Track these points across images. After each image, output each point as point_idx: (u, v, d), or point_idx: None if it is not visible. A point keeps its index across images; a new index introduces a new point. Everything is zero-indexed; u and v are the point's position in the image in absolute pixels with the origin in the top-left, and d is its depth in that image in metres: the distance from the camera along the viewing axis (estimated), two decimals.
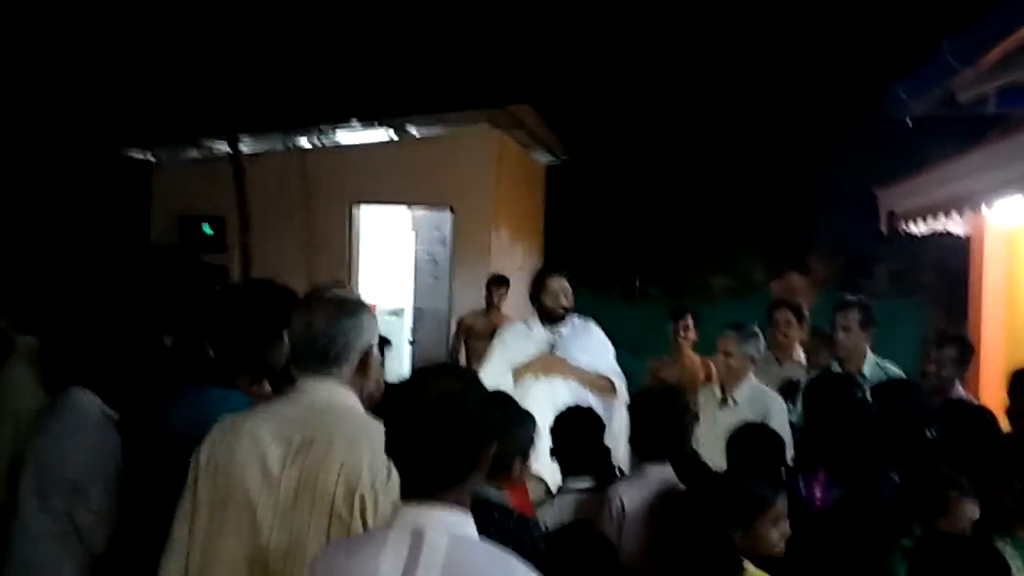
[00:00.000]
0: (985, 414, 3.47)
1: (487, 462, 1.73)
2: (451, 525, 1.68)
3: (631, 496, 3.14)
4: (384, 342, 2.74)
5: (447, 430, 1.68)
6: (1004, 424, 3.59)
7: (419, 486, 1.70)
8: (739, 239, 11.30)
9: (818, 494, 3.09)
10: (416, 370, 1.83)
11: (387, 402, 1.75)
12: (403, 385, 1.74)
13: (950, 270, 9.50)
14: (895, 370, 4.77)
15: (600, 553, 2.75)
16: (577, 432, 3.41)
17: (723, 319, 5.20)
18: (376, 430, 1.85)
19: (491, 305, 7.54)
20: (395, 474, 1.76)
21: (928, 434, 3.20)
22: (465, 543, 1.68)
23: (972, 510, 2.63)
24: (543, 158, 10.73)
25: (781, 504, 2.62)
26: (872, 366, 4.79)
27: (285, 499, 2.07)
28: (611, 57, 10.76)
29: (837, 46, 9.97)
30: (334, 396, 2.19)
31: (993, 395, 5.88)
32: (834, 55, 9.97)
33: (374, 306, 8.85)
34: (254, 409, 2.25)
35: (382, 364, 2.67)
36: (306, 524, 2.02)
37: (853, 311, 4.82)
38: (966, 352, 4.69)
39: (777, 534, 2.56)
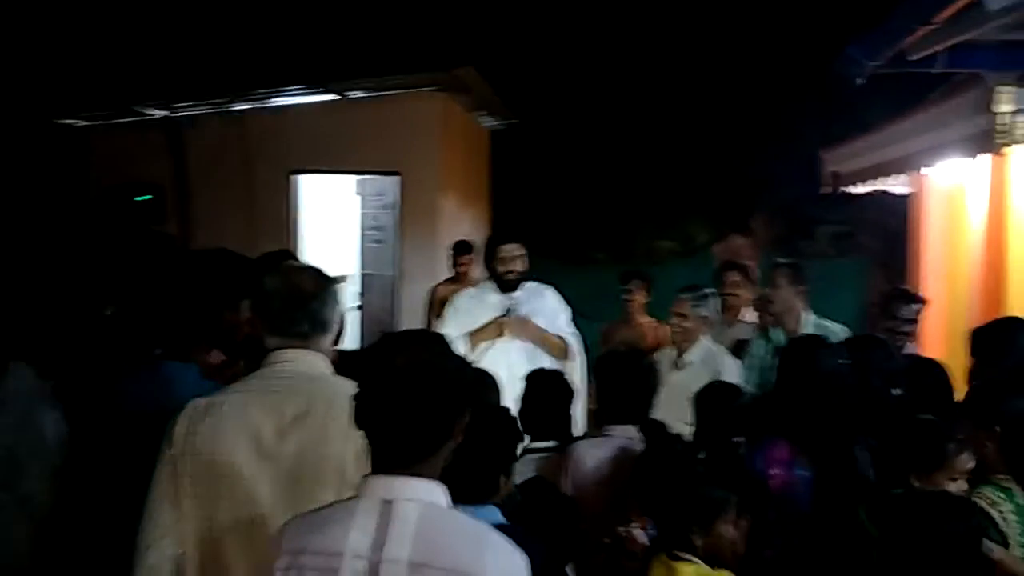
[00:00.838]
0: (944, 369, 3.54)
1: (461, 432, 1.69)
2: (422, 494, 1.64)
3: (591, 455, 3.14)
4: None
5: (420, 400, 1.63)
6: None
7: (390, 458, 1.65)
8: (684, 202, 11.37)
9: (775, 471, 3.01)
10: (386, 336, 1.77)
11: (356, 371, 1.69)
12: (373, 352, 1.68)
13: (890, 231, 9.68)
14: (837, 327, 4.85)
15: (558, 507, 2.74)
16: (547, 396, 3.40)
17: (670, 282, 5.24)
18: None
19: (460, 274, 7.38)
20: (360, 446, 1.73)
21: (894, 393, 3.22)
22: (437, 512, 1.64)
23: (968, 462, 2.66)
24: (489, 122, 10.63)
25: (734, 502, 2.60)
26: (812, 326, 4.87)
27: (287, 474, 2.03)
28: (555, 20, 10.67)
29: (785, 9, 10.01)
30: (317, 366, 2.15)
31: (933, 353, 6.01)
32: (782, 17, 10.01)
33: None
34: (230, 388, 2.17)
35: None
36: (314, 499, 1.94)
37: (782, 269, 4.94)
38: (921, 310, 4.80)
39: (737, 532, 2.54)
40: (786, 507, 2.92)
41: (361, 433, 1.66)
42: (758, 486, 2.78)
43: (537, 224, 9.92)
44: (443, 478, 1.68)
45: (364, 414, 1.66)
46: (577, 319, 5.21)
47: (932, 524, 2.16)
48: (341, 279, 10.00)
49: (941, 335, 6.53)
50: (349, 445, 2.00)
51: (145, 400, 2.36)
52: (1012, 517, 2.58)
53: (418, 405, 1.63)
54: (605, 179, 11.17)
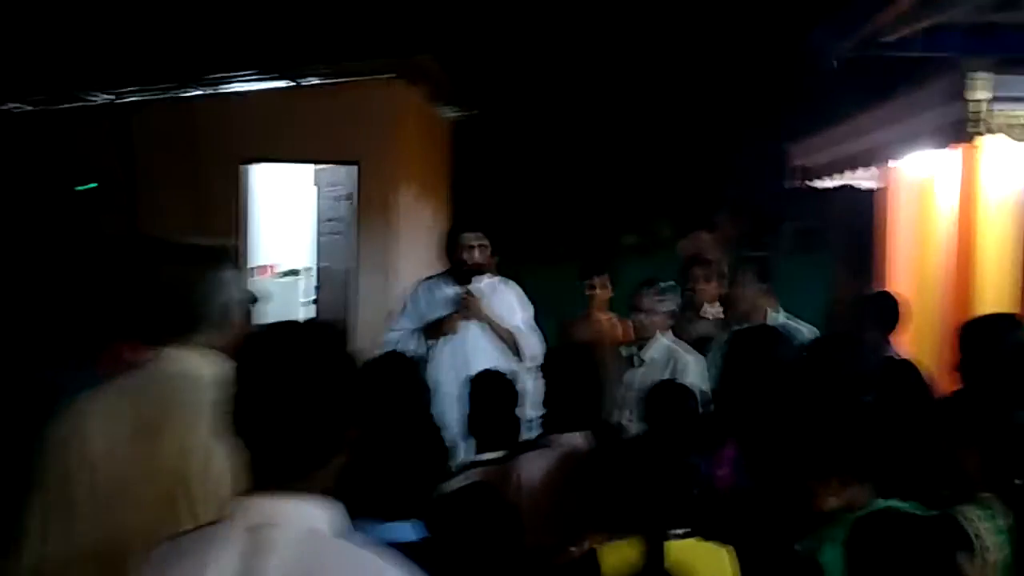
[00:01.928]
0: (922, 372, 3.33)
1: (352, 444, 1.43)
2: (304, 519, 1.38)
3: (536, 467, 2.91)
4: (251, 298, 2.41)
5: (300, 405, 1.37)
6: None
7: (268, 474, 1.39)
8: (648, 197, 11.20)
9: (720, 472, 2.80)
10: (266, 328, 1.50)
11: (240, 368, 1.44)
12: (249, 349, 1.42)
13: (857, 226, 9.57)
14: (805, 328, 4.67)
15: (497, 516, 2.50)
16: (491, 400, 3.14)
17: (633, 278, 5.05)
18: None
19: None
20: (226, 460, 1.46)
21: (865, 399, 3.00)
22: (317, 542, 1.38)
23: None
24: (449, 112, 10.37)
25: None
26: (781, 326, 4.68)
27: (118, 485, 1.78)
28: (517, 8, 10.43)
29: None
30: (187, 364, 1.87)
31: (901, 349, 5.87)
32: (748, 7, 9.84)
33: (272, 266, 8.31)
34: (100, 387, 1.92)
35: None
36: (141, 514, 1.72)
37: (747, 267, 4.80)
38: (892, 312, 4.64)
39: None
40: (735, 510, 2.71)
41: (206, 450, 1.41)
42: (707, 491, 2.56)
43: (499, 217, 9.71)
44: (352, 491, 1.44)
45: (236, 423, 1.40)
46: (536, 317, 5.01)
47: (907, 546, 1.94)
48: (294, 272, 9.73)
49: (909, 332, 6.39)
50: (215, 459, 1.74)
51: (38, 409, 2.11)
52: (994, 538, 2.37)
53: (297, 411, 1.37)
54: (568, 172, 10.98)
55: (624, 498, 2.38)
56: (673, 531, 2.33)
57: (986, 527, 2.38)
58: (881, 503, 2.35)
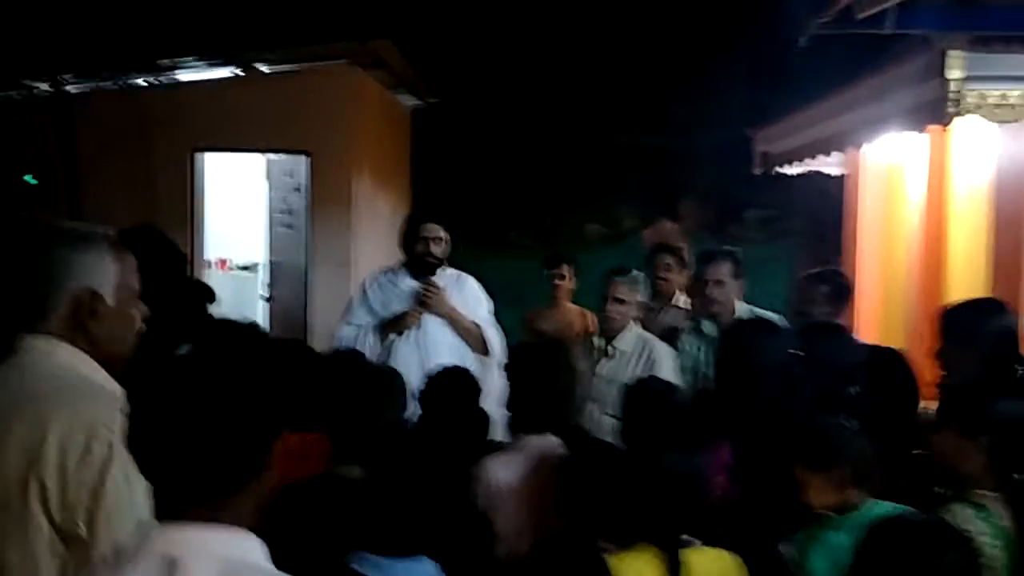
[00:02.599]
0: (908, 362, 3.18)
1: (280, 458, 1.22)
2: (222, 548, 1.17)
3: (504, 470, 2.71)
4: (205, 294, 2.19)
5: (217, 417, 1.15)
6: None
7: (177, 499, 1.17)
8: (611, 185, 11.05)
9: (720, 479, 2.61)
10: (161, 331, 1.28)
11: (128, 378, 1.21)
12: (141, 356, 1.20)
13: (821, 213, 9.50)
14: (774, 318, 4.51)
15: (468, 523, 2.33)
16: (450, 399, 2.93)
17: (597, 268, 4.87)
18: (105, 406, 1.32)
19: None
20: (136, 479, 1.24)
21: (849, 391, 2.84)
22: (243, 573, 1.17)
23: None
24: (408, 101, 10.11)
25: None
26: (748, 316, 4.51)
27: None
28: None
29: None
30: (54, 357, 1.65)
31: (869, 337, 5.77)
32: None
33: (226, 260, 7.95)
34: None
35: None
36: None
37: (725, 263, 4.48)
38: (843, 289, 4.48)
39: None
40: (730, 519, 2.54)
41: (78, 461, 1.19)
42: (701, 498, 2.39)
43: (461, 207, 9.51)
44: (349, 520, 1.23)
45: (138, 439, 1.18)
46: (501, 309, 4.83)
47: (920, 557, 1.77)
48: (251, 267, 9.44)
49: (876, 319, 6.29)
50: (33, 473, 1.52)
51: None
52: (986, 541, 2.21)
53: (192, 431, 1.15)
54: (531, 161, 10.79)
55: (638, 507, 2.27)
56: (686, 539, 2.25)
57: (982, 528, 2.22)
58: (877, 505, 2.19)
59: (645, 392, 2.90)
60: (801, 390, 2.65)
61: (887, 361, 3.10)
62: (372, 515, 1.98)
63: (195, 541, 1.15)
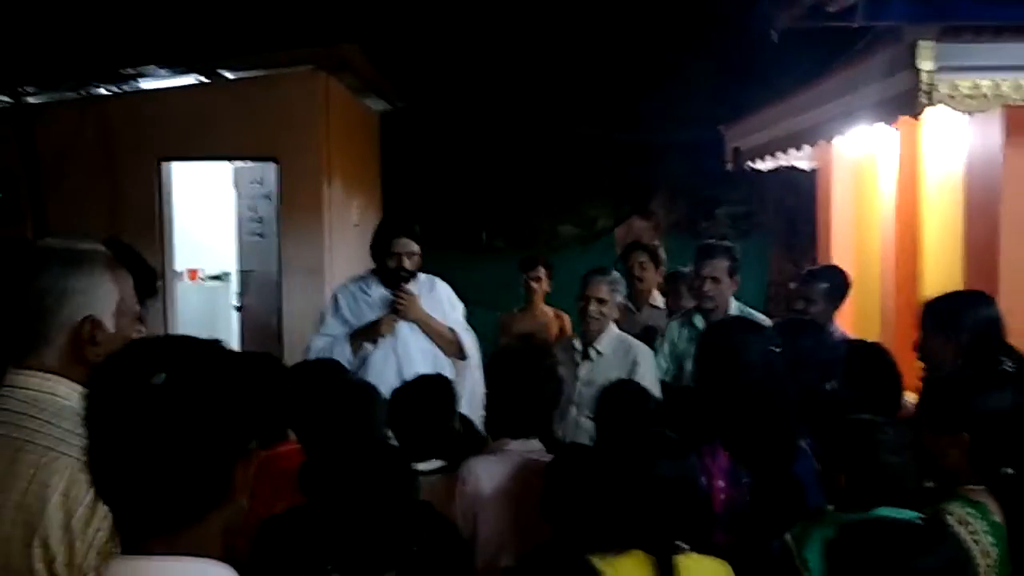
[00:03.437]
0: (889, 356, 3.15)
1: (247, 481, 1.15)
2: None
3: (488, 474, 2.66)
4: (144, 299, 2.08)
5: (178, 440, 1.08)
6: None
7: (139, 530, 1.11)
8: (583, 185, 11.00)
9: (721, 483, 2.53)
10: (134, 345, 1.21)
11: (86, 398, 1.14)
12: (108, 370, 1.13)
13: (793, 208, 9.53)
14: (759, 315, 4.48)
15: (446, 543, 2.27)
16: (425, 405, 2.86)
17: (571, 269, 4.84)
18: None
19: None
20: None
21: (827, 387, 2.80)
22: None
23: None
24: (377, 105, 10.02)
25: None
26: (736, 312, 4.48)
27: None
28: None
29: None
30: (43, 392, 1.52)
31: (843, 329, 5.76)
32: None
33: (196, 271, 7.77)
34: None
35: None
36: None
37: (722, 260, 4.43)
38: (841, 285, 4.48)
39: None
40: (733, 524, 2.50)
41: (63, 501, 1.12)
42: (701, 504, 2.35)
43: (432, 211, 9.42)
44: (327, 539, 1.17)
45: (94, 466, 1.11)
46: (474, 311, 4.77)
47: (899, 559, 1.72)
48: (223, 276, 9.31)
49: (850, 314, 6.30)
50: (21, 517, 1.41)
51: None
52: (986, 538, 2.17)
53: (172, 450, 1.08)
54: (502, 162, 10.70)
55: (627, 512, 2.23)
56: (679, 545, 2.22)
57: (978, 527, 2.18)
58: (877, 510, 2.15)
59: (620, 395, 2.86)
60: (780, 387, 2.60)
61: (868, 356, 3.07)
62: (342, 536, 1.91)
63: (156, 574, 1.09)
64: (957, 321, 3.00)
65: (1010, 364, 2.84)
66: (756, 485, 2.50)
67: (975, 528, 2.18)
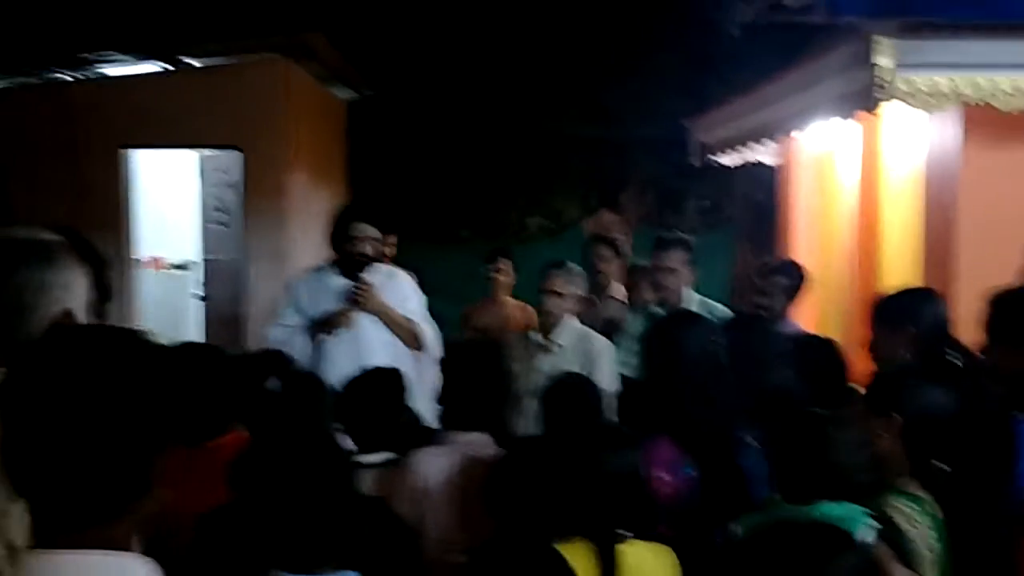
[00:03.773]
0: (838, 349, 3.18)
1: (167, 474, 1.14)
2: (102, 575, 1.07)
3: (435, 466, 2.65)
4: (104, 294, 2.04)
5: (93, 433, 1.06)
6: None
7: (55, 523, 1.08)
8: (551, 177, 10.99)
9: (664, 475, 2.52)
10: (51, 335, 1.19)
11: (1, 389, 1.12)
12: (24, 361, 1.11)
13: (758, 201, 9.57)
14: (722, 309, 4.51)
15: (396, 538, 2.26)
16: (375, 397, 2.85)
17: (537, 261, 4.83)
18: None
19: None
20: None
21: (776, 381, 2.82)
22: None
23: None
24: (343, 93, 9.96)
25: None
26: (697, 305, 4.51)
27: None
28: None
29: None
30: None
31: (805, 324, 5.81)
32: None
33: (159, 259, 7.69)
34: None
35: None
36: None
37: (677, 251, 4.47)
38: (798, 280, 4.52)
39: None
40: (677, 516, 2.51)
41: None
42: (645, 496, 2.35)
43: (399, 200, 9.38)
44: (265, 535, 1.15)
45: (11, 457, 1.08)
46: (439, 302, 4.74)
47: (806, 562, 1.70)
48: (185, 266, 9.22)
49: (813, 309, 6.35)
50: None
51: None
52: (929, 532, 2.19)
53: (88, 441, 1.06)
54: (470, 153, 10.67)
55: (574, 502, 2.25)
56: (622, 534, 2.24)
57: (926, 522, 2.21)
58: (825, 505, 2.16)
59: (566, 389, 2.88)
60: (723, 379, 2.62)
61: (816, 349, 3.10)
62: (287, 530, 1.89)
63: (71, 568, 1.07)
64: (905, 318, 3.04)
65: (957, 358, 2.87)
66: (701, 477, 2.52)
67: (919, 523, 2.20)
